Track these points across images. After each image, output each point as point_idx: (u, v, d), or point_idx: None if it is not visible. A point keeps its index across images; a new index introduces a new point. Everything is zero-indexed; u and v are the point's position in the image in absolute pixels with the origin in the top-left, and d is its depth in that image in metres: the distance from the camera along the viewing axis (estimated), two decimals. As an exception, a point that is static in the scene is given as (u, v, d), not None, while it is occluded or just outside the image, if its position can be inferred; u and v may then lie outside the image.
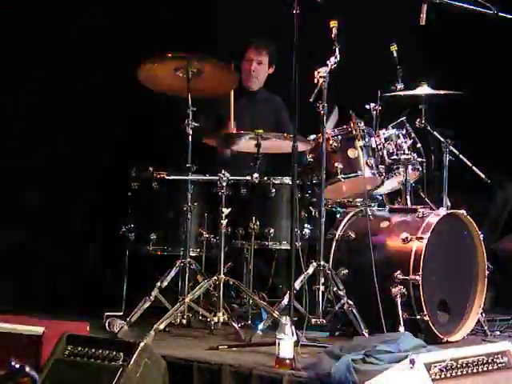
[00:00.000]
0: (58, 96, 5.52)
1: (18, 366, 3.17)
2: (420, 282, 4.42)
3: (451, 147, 5.10)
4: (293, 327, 3.79)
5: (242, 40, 5.69)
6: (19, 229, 5.40)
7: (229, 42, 6.03)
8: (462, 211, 4.72)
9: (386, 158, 4.87)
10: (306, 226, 4.86)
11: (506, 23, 5.05)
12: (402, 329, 4.34)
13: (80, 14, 5.57)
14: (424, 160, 5.01)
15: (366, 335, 4.35)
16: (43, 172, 5.47)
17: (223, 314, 4.51)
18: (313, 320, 4.48)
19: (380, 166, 4.81)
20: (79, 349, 3.73)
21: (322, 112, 4.58)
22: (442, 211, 4.70)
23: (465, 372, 3.37)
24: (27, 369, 3.19)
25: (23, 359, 3.63)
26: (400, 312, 4.40)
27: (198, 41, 5.77)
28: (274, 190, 4.78)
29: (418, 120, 5.12)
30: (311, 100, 4.56)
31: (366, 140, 4.80)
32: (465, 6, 5.03)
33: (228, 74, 4.95)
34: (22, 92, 5.37)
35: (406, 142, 4.91)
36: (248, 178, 4.69)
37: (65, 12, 5.50)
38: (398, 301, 4.42)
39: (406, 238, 4.55)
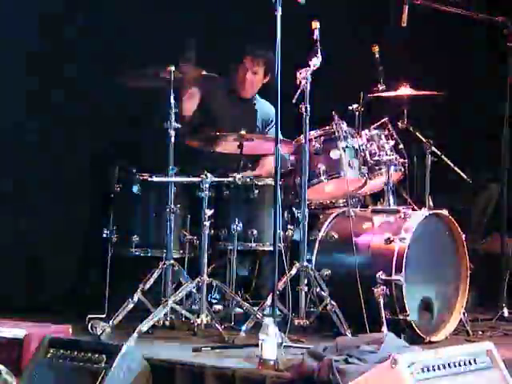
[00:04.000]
0: (45, 97, 5.51)
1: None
2: (402, 283, 4.44)
3: (433, 148, 5.12)
4: (276, 328, 3.79)
5: (240, 45, 5.65)
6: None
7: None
8: (445, 211, 4.74)
9: (369, 158, 4.87)
10: (288, 227, 4.85)
11: (485, 24, 5.10)
12: (384, 329, 4.35)
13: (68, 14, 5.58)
14: (406, 161, 5.03)
15: (349, 336, 4.36)
16: (26, 173, 5.45)
17: (206, 316, 4.50)
18: (296, 321, 4.49)
19: (362, 167, 4.83)
20: (61, 351, 3.72)
21: (305, 113, 4.58)
22: (425, 212, 4.72)
23: (447, 372, 3.38)
24: (3, 372, 3.17)
25: (4, 362, 3.63)
26: (383, 312, 4.41)
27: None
28: (256, 191, 4.78)
29: (401, 121, 5.13)
30: (294, 101, 4.57)
31: (349, 141, 4.81)
32: (445, 7, 5.07)
33: (213, 80, 4.94)
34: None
35: (388, 143, 4.92)
36: (230, 179, 4.69)
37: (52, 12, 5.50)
38: (381, 301, 4.43)
39: (389, 238, 4.56)
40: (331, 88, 5.93)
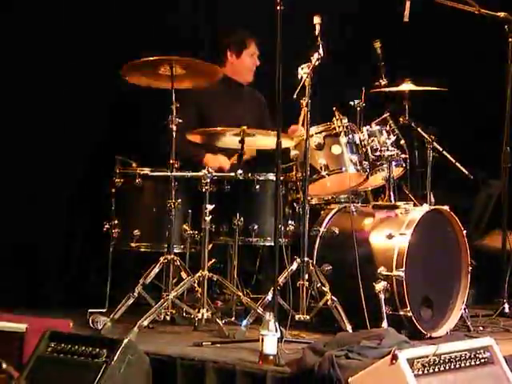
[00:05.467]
0: (44, 90, 5.51)
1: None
2: (403, 278, 4.43)
3: (435, 144, 5.11)
4: (276, 323, 3.80)
5: (238, 33, 5.64)
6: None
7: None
8: (446, 207, 4.74)
9: (370, 154, 4.87)
10: (289, 222, 4.86)
11: (489, 19, 5.09)
12: (385, 325, 4.35)
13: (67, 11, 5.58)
14: (407, 156, 5.03)
15: (350, 331, 4.36)
16: (25, 168, 5.45)
17: (207, 311, 4.51)
18: (297, 316, 4.49)
19: (364, 163, 4.82)
20: (62, 346, 3.73)
21: (306, 108, 4.58)
22: (426, 207, 4.71)
23: (447, 367, 3.39)
24: (4, 365, 3.18)
25: (6, 356, 3.63)
26: (383, 308, 4.41)
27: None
28: (258, 187, 4.78)
29: (402, 116, 5.13)
30: (294, 97, 4.57)
31: (350, 136, 4.81)
32: (447, 2, 5.06)
33: (213, 71, 4.92)
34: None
35: (389, 139, 4.91)
36: (232, 174, 4.69)
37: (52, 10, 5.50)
38: (382, 297, 4.42)
39: (390, 234, 4.56)
40: (333, 83, 5.93)
